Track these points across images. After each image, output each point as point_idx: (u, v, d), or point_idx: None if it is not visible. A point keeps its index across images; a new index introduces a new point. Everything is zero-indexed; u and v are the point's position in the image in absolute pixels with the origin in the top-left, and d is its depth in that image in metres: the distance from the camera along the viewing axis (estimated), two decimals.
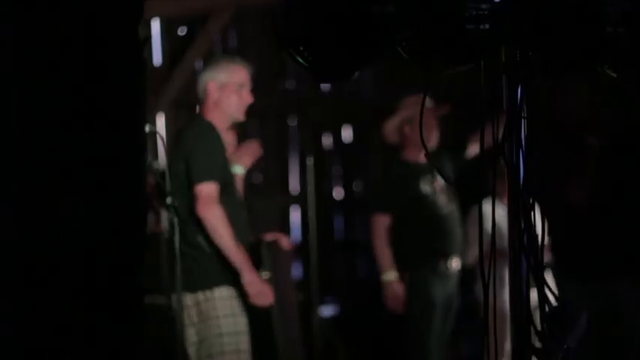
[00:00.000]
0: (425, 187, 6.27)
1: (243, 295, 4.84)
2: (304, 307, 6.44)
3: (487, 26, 2.70)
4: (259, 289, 4.87)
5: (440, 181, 6.29)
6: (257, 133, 8.79)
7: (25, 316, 2.12)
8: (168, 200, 4.44)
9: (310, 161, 5.96)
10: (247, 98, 5.02)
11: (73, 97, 2.17)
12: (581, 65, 2.89)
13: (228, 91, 4.97)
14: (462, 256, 6.30)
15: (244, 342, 4.80)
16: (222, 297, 4.78)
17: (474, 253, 6.97)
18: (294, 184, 9.44)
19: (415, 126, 6.26)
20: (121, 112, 2.27)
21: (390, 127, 6.46)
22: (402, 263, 6.27)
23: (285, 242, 6.02)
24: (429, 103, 6.31)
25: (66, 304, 2.16)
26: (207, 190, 4.77)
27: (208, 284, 4.78)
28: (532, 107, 2.74)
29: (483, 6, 2.69)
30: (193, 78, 6.08)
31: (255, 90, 5.16)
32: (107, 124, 2.23)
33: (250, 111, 5.14)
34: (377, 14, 2.72)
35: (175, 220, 4.42)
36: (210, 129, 4.87)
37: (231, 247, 4.81)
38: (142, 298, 2.31)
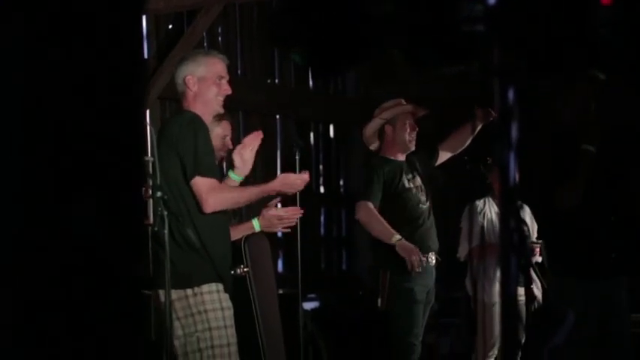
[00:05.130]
0: (406, 182, 6.41)
1: (228, 289, 4.87)
2: (289, 300, 6.48)
3: (481, 28, 2.74)
4: (281, 183, 5.01)
5: (418, 180, 6.48)
6: (242, 129, 8.84)
7: (26, 311, 2.15)
8: (158, 193, 4.43)
9: (298, 156, 5.99)
10: (226, 89, 5.01)
11: (74, 97, 2.20)
12: (571, 67, 2.93)
13: (207, 83, 4.97)
14: (439, 252, 6.44)
15: (232, 335, 4.79)
16: (211, 291, 4.76)
17: (465, 249, 7.10)
18: None
19: (395, 127, 6.47)
20: (119, 108, 2.31)
21: (370, 131, 6.62)
22: (382, 261, 6.39)
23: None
24: (404, 104, 6.52)
25: (66, 299, 2.19)
26: (205, 184, 4.78)
27: (197, 281, 4.75)
28: (523, 109, 2.78)
29: (477, 7, 2.73)
30: None
31: (241, 86, 5.17)
32: (107, 120, 2.26)
33: (236, 106, 5.15)
34: (372, 13, 2.76)
35: (165, 213, 4.42)
36: (196, 120, 4.84)
37: (250, 194, 4.96)
38: (142, 292, 2.34)
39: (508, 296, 2.82)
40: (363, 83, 9.97)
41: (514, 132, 2.79)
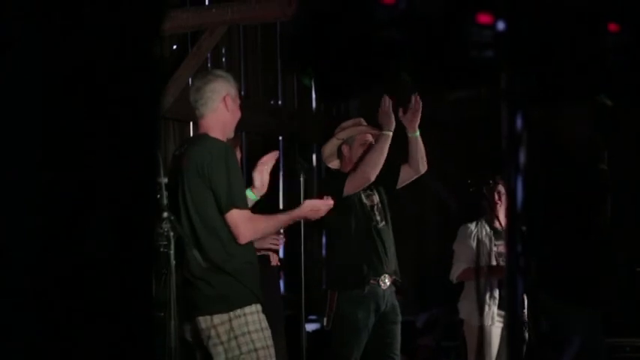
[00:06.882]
0: (364, 199, 6.36)
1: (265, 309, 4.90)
2: (292, 321, 6.49)
3: (490, 53, 2.76)
4: (308, 210, 5.11)
5: (376, 198, 6.43)
6: (245, 150, 8.85)
7: (40, 326, 2.16)
8: (164, 214, 4.45)
9: (302, 178, 6.03)
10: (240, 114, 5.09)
11: (94, 111, 2.22)
12: (580, 94, 2.95)
13: (236, 106, 4.99)
14: (396, 274, 6.33)
15: (272, 355, 4.81)
16: (252, 312, 4.79)
17: (456, 271, 7.11)
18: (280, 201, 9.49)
19: (352, 146, 6.48)
20: (137, 126, 2.32)
21: (328, 151, 6.64)
22: (332, 281, 6.42)
23: (273, 259, 6.09)
24: (364, 124, 6.53)
25: (78, 317, 2.20)
26: (241, 217, 4.82)
27: (238, 304, 4.78)
28: (531, 133, 2.80)
29: (486, 33, 2.76)
30: (184, 94, 6.12)
31: (243, 107, 5.17)
32: (125, 139, 2.28)
33: (238, 128, 5.16)
34: (383, 38, 2.78)
35: (171, 234, 4.43)
36: (228, 150, 4.84)
37: (279, 222, 5.10)
38: (153, 311, 2.35)
39: (514, 320, 2.83)
40: (365, 105, 10.00)
41: (522, 156, 2.80)
